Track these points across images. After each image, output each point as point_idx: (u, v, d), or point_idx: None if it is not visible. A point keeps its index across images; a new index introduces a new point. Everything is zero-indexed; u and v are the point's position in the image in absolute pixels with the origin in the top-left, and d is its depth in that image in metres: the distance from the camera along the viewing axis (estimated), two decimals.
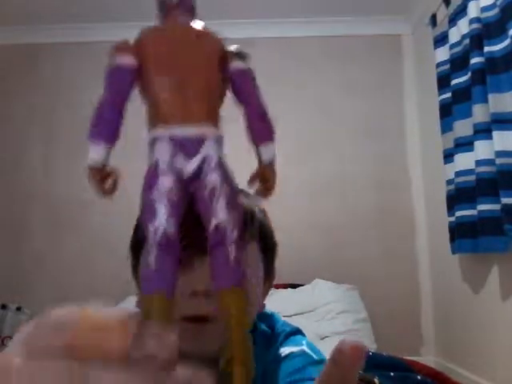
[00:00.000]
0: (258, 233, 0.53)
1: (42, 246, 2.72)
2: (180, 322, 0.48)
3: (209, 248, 0.23)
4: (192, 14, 0.24)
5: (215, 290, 0.23)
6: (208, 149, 0.22)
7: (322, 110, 2.82)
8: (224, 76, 0.24)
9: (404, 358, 1.54)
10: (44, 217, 2.75)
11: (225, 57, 0.24)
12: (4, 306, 2.51)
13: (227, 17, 2.73)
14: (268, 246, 0.55)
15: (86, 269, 2.61)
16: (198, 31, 0.24)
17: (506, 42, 1.76)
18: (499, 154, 1.76)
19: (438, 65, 2.25)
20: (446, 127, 2.20)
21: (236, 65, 0.24)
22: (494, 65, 1.81)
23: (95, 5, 2.65)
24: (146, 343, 0.19)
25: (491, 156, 1.81)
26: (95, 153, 0.23)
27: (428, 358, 2.53)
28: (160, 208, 0.21)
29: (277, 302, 1.75)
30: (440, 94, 2.24)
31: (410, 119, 2.82)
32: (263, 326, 0.63)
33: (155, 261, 0.21)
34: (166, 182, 0.21)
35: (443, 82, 2.21)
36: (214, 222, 0.22)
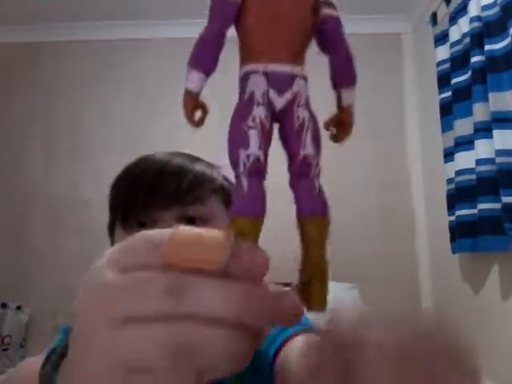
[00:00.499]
0: (221, 187, 0.57)
1: (42, 245, 2.72)
2: None
3: (294, 178, 0.25)
4: None
5: (298, 218, 0.24)
6: (298, 86, 0.23)
7: (322, 109, 2.81)
8: (314, 22, 0.25)
9: None
10: (44, 217, 2.75)
11: (317, 4, 0.25)
12: (4, 305, 2.52)
13: None
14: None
15: (86, 269, 2.60)
16: None
17: (507, 41, 1.76)
18: (499, 152, 1.76)
19: (439, 63, 2.25)
20: (446, 126, 2.20)
21: (328, 12, 0.25)
22: (495, 63, 1.81)
23: (96, 4, 2.65)
24: (243, 258, 0.20)
25: (491, 155, 1.81)
26: (193, 80, 0.23)
27: None
28: (253, 136, 0.22)
29: None
30: (440, 93, 2.24)
31: (410, 118, 2.81)
32: None
33: (247, 185, 0.22)
34: (260, 112, 0.22)
35: (443, 80, 2.21)
36: (302, 154, 0.24)
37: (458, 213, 2.03)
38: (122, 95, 2.83)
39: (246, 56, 0.24)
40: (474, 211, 1.93)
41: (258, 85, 0.23)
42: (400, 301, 2.64)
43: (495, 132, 1.77)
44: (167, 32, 2.85)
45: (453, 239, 2.11)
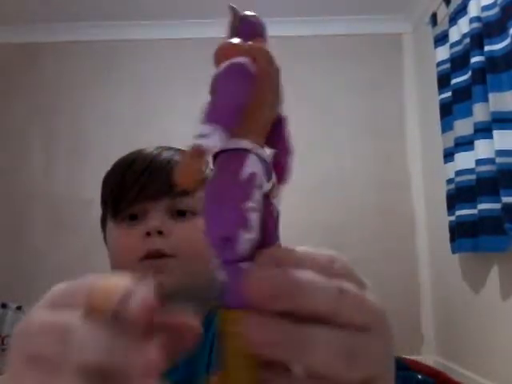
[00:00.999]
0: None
1: (42, 245, 2.72)
2: (140, 263, 0.53)
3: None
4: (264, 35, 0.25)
5: None
6: (273, 173, 0.24)
7: (322, 109, 2.82)
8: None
9: (404, 357, 1.54)
10: (44, 216, 2.75)
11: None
12: (4, 305, 2.51)
13: (228, 16, 2.73)
14: None
15: (87, 268, 2.61)
16: (274, 59, 0.25)
17: (507, 42, 1.76)
18: (499, 153, 1.76)
19: (439, 64, 2.25)
20: (446, 126, 2.20)
21: (281, 111, 0.25)
22: (495, 64, 1.81)
23: (96, 4, 2.65)
24: (129, 306, 0.20)
25: (491, 155, 1.81)
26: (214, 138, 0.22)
27: (428, 356, 2.53)
28: (255, 220, 0.21)
29: None
30: (440, 93, 2.24)
31: (411, 118, 2.81)
32: None
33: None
34: (259, 196, 0.22)
35: (443, 81, 2.21)
36: (275, 243, 0.23)
37: (458, 213, 2.03)
38: (122, 95, 2.83)
39: (240, 131, 0.22)
40: (474, 211, 1.93)
41: (257, 167, 0.22)
42: (400, 301, 2.65)
43: (495, 132, 1.77)
44: (167, 33, 2.85)
45: (453, 239, 2.11)
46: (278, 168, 0.25)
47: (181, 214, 0.55)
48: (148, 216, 0.54)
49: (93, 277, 0.22)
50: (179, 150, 0.60)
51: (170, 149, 0.60)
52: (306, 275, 0.20)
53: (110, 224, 0.58)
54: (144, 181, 0.54)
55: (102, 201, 0.61)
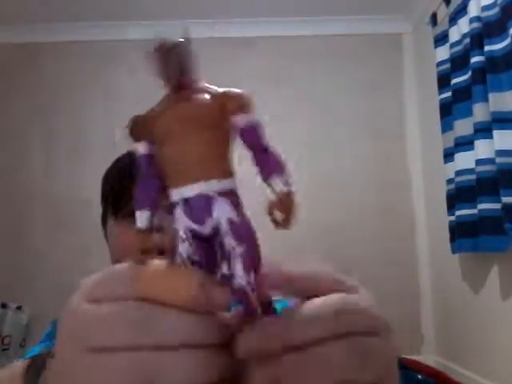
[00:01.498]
0: None
1: (42, 245, 2.72)
2: None
3: None
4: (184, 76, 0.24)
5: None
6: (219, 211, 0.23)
7: (322, 109, 2.82)
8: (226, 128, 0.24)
9: (404, 357, 1.53)
10: (44, 216, 2.75)
11: (223, 107, 0.24)
12: (4, 305, 2.51)
13: (228, 16, 2.73)
14: None
15: (87, 268, 2.61)
16: (189, 96, 0.24)
17: (507, 41, 1.76)
18: (499, 153, 1.76)
19: (439, 64, 2.25)
20: (446, 126, 2.20)
21: (239, 120, 0.23)
22: (495, 64, 1.81)
23: (96, 4, 2.65)
24: (211, 291, 0.21)
25: (491, 155, 1.81)
26: (139, 219, 0.25)
27: (428, 356, 2.53)
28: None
29: None
30: (440, 93, 2.24)
31: (411, 118, 2.81)
32: None
33: None
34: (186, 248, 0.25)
35: (443, 81, 2.21)
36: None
37: (458, 213, 2.03)
38: (122, 95, 2.83)
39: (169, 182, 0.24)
40: (474, 211, 1.93)
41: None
42: (400, 301, 2.64)
43: (495, 132, 1.77)
44: (167, 33, 2.84)
45: (453, 239, 2.11)
46: (260, 167, 0.25)
47: None
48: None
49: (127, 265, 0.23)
50: None
51: None
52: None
53: (111, 221, 0.58)
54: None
55: (102, 198, 0.60)
